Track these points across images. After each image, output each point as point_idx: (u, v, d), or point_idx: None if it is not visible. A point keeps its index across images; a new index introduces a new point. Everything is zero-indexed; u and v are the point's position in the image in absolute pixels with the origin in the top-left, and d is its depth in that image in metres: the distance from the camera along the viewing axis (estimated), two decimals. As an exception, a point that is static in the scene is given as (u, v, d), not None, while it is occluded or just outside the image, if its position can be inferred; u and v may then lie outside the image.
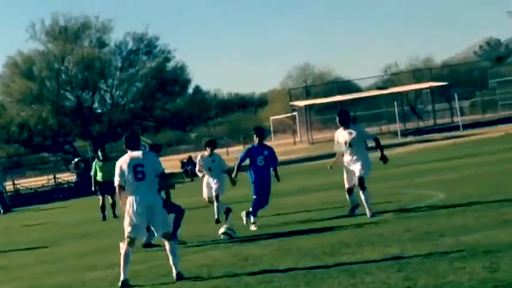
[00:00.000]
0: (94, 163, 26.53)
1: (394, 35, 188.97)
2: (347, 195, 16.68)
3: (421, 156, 39.23)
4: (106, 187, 25.58)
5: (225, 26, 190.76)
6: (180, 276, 11.40)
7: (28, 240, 22.43)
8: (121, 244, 11.70)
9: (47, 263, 16.10)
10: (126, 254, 11.56)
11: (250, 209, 17.01)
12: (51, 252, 18.36)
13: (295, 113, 73.91)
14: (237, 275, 11.23)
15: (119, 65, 72.41)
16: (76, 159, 58.66)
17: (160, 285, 11.41)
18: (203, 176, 19.93)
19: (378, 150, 16.48)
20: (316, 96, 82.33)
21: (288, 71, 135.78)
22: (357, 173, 16.10)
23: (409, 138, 59.16)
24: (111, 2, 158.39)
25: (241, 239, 15.26)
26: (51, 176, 58.62)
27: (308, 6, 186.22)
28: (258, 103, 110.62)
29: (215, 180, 19.46)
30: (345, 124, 16.41)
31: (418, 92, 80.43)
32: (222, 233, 15.69)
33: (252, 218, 16.89)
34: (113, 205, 25.89)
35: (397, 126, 62.85)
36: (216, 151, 19.94)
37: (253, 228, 16.67)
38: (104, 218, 25.81)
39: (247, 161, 17.20)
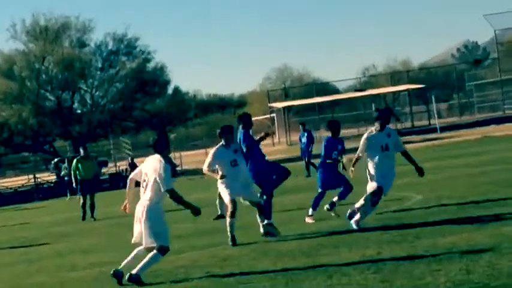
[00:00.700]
0: (75, 160, 26.48)
1: (372, 37, 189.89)
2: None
3: (398, 158, 39.22)
4: (86, 186, 25.67)
5: (205, 27, 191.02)
6: (134, 279, 11.00)
7: (7, 240, 22.38)
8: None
9: (26, 263, 16.05)
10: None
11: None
12: (30, 252, 18.31)
13: (274, 115, 73.97)
14: (216, 275, 11.27)
15: (99, 65, 72.41)
16: (56, 159, 58.45)
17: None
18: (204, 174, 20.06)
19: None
20: (294, 98, 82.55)
21: (266, 72, 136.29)
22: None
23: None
24: (91, 1, 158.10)
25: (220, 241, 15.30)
26: (31, 176, 58.41)
27: (287, 8, 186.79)
28: (237, 104, 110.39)
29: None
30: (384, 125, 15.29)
31: (396, 94, 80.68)
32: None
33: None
34: (92, 206, 25.83)
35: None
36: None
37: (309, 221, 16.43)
38: (84, 218, 25.80)
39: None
